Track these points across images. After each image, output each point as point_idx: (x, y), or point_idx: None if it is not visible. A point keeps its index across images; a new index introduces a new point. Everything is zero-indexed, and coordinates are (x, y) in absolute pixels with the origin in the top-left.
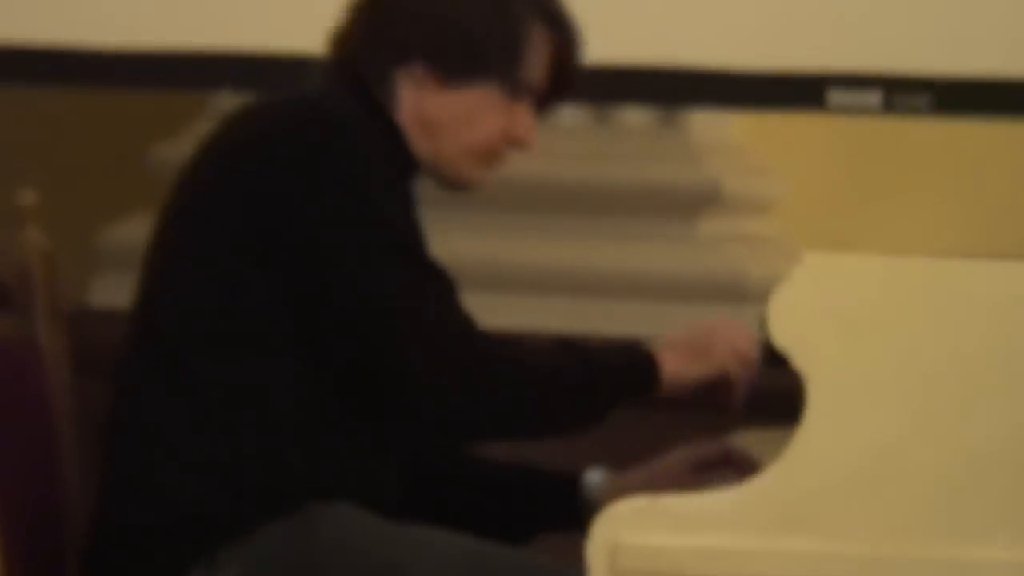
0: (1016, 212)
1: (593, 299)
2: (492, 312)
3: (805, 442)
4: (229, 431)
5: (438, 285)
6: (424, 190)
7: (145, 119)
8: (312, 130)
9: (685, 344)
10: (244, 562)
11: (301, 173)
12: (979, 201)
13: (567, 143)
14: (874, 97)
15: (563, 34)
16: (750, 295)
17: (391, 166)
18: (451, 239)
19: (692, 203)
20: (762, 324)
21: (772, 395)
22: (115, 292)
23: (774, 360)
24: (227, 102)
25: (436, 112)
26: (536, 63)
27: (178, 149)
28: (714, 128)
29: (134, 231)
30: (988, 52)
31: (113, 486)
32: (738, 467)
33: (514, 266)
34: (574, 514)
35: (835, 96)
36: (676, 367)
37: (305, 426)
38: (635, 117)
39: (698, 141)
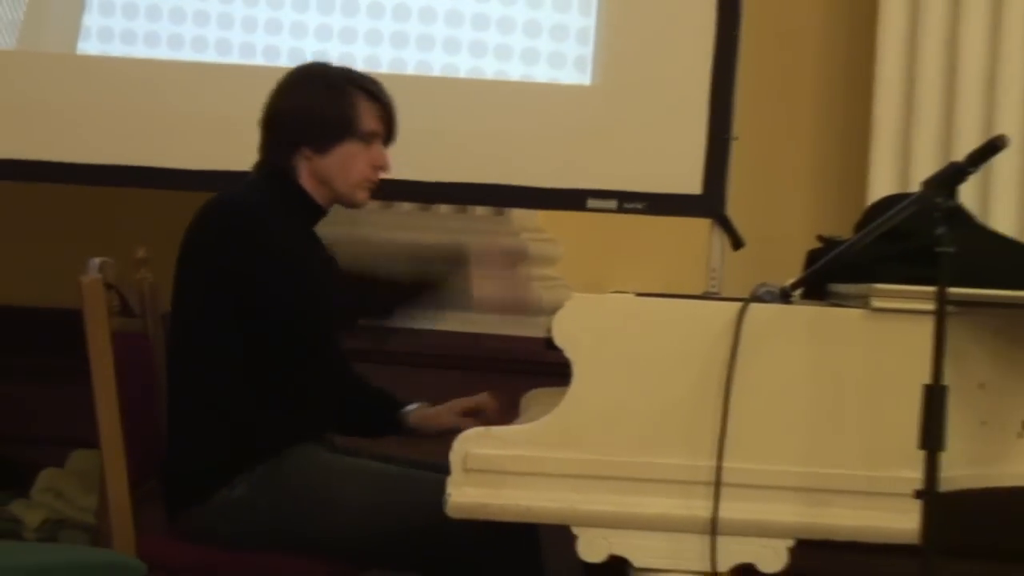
0: (694, 262)
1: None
2: None
3: (571, 397)
4: (231, 407)
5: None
6: None
7: None
8: (233, 220)
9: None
10: (246, 486)
11: (238, 249)
12: (672, 257)
13: (439, 222)
14: (612, 203)
15: (380, 100)
16: (543, 311)
17: (294, 216)
18: None
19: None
20: (549, 329)
21: (556, 367)
22: None
23: (555, 347)
24: None
25: (323, 170)
26: (370, 121)
27: None
28: (526, 216)
29: None
30: (671, 178)
31: (173, 441)
32: (488, 415)
33: None
34: (393, 424)
35: (591, 202)
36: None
37: (271, 400)
38: (481, 209)
39: (517, 222)
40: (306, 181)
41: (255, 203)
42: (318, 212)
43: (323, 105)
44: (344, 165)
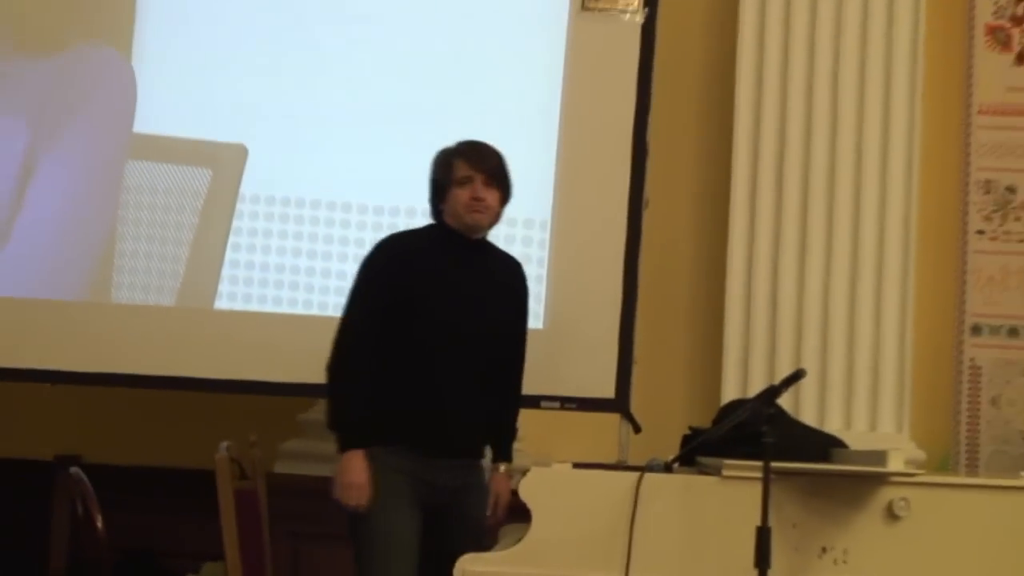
0: (609, 440)
1: None
2: None
3: (532, 534)
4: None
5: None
6: None
7: (298, 405)
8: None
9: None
10: (379, 451)
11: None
12: (596, 437)
13: None
14: (556, 403)
15: (465, 155)
16: (514, 472)
17: (446, 243)
18: None
19: None
20: (518, 485)
21: (522, 510)
22: (288, 468)
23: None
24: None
25: (450, 207)
26: (460, 170)
27: (309, 415)
28: None
29: (293, 446)
30: (594, 387)
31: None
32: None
33: None
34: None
35: (544, 403)
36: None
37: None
38: None
39: None
40: (448, 217)
41: (420, 234)
42: (462, 238)
43: (436, 173)
44: (456, 200)
